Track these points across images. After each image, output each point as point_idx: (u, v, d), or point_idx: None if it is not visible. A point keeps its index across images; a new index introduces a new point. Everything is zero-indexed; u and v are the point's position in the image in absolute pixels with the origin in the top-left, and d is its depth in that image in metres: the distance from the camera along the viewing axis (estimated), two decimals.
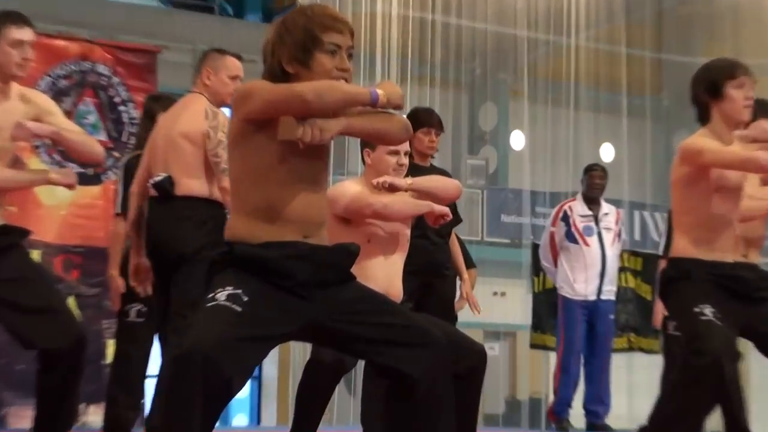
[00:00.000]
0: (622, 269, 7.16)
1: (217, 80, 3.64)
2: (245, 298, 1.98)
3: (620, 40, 9.77)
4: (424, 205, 3.24)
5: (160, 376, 3.28)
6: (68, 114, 4.86)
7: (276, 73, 2.10)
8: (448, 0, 9.22)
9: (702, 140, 3.16)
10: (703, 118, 3.22)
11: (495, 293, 9.30)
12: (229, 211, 2.48)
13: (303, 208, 2.11)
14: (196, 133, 3.48)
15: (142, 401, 4.35)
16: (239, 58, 3.81)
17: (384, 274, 3.20)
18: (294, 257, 2.06)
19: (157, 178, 3.48)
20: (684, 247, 3.31)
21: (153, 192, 3.52)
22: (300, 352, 6.69)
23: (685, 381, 3.20)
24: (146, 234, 3.59)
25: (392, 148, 3.11)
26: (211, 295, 1.99)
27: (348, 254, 2.20)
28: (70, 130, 3.29)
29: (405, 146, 3.16)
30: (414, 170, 3.56)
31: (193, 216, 3.47)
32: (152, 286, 3.63)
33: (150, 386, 3.99)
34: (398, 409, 2.16)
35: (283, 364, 8.68)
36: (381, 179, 3.12)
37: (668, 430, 3.26)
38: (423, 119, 4.34)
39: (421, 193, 3.28)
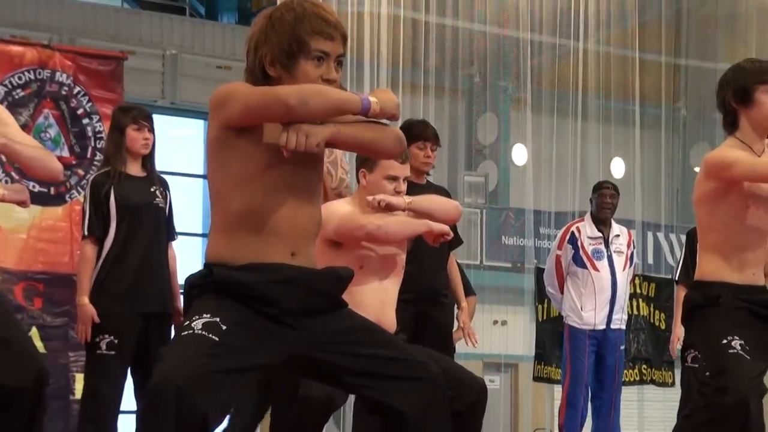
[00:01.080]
0: (633, 295, 7.14)
1: None
2: (223, 327, 1.93)
3: (633, 43, 9.56)
4: (421, 225, 3.16)
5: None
6: (25, 128, 4.85)
7: (257, 75, 2.02)
8: None
9: (731, 152, 3.03)
10: (731, 126, 3.14)
11: (495, 322, 9.27)
12: (209, 231, 2.25)
13: (291, 219, 2.02)
14: None
15: None
16: None
17: (377, 301, 3.14)
18: (279, 282, 2.00)
19: None
20: (712, 270, 3.21)
21: None
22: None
23: (708, 418, 3.15)
24: None
25: (391, 173, 3.12)
26: (187, 323, 1.95)
27: (339, 279, 2.14)
28: (24, 143, 3.07)
29: (405, 171, 3.17)
30: (409, 188, 3.41)
31: None
32: None
33: (123, 425, 4.26)
34: None
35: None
36: (378, 197, 3.04)
37: None
38: (417, 132, 4.28)
39: (418, 214, 3.19)
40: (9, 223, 5.75)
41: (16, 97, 5.87)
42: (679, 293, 4.56)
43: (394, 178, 3.11)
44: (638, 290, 7.54)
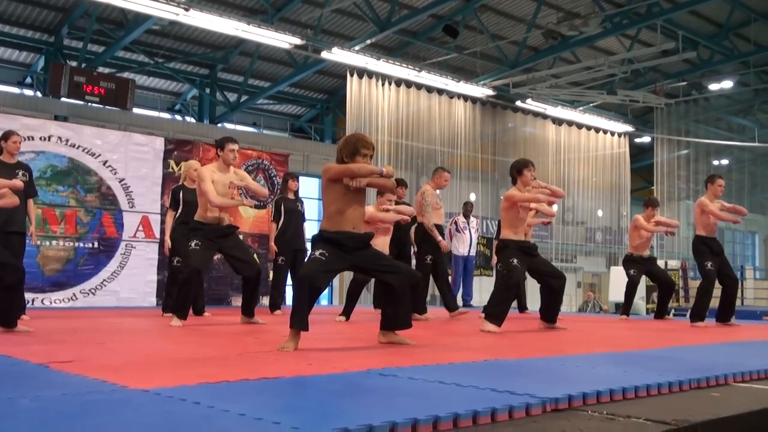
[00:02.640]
0: (479, 243, 14.57)
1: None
2: (326, 254, 4.54)
3: None
4: (397, 216, 7.66)
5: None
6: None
7: (340, 160, 4.76)
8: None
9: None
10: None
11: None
12: (322, 219, 4.84)
13: (352, 214, 4.69)
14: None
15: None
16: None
17: (381, 243, 7.20)
18: (348, 237, 4.64)
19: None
20: (506, 234, 6.65)
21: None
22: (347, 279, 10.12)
23: (502, 288, 6.47)
24: None
25: (389, 196, 7.53)
26: (312, 253, 4.62)
27: (368, 237, 4.85)
28: (254, 184, 7.20)
29: (395, 196, 7.92)
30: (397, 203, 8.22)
31: None
32: None
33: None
34: (387, 296, 4.84)
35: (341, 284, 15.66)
36: (384, 206, 7.55)
37: (495, 308, 6.31)
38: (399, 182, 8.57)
39: (398, 213, 7.72)
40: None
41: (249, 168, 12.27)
42: (496, 244, 7.59)
43: (389, 200, 7.57)
44: (480, 241, 15.10)
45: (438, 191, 8.40)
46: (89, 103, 15.90)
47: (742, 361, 3.96)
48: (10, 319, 5.50)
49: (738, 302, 10.82)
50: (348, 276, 8.34)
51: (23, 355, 3.83)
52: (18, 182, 5.90)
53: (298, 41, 14.67)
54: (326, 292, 17.97)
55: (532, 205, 7.15)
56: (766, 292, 21.53)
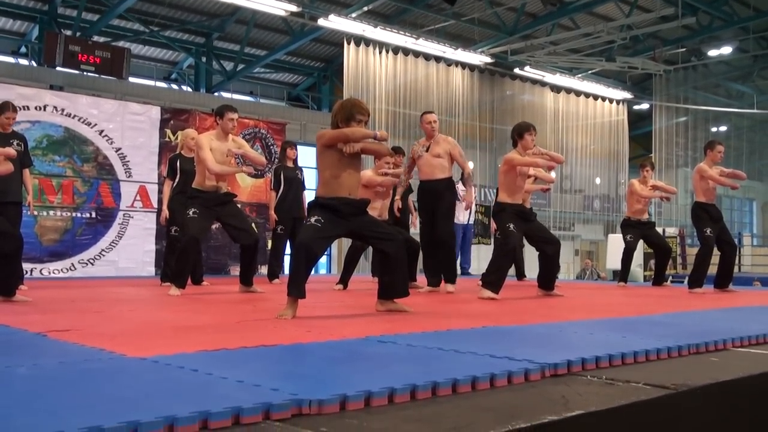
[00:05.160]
0: (477, 212, 14.93)
1: None
2: (322, 220, 4.50)
3: None
4: (393, 180, 7.53)
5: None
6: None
7: (335, 125, 4.69)
8: None
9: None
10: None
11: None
12: (317, 186, 4.75)
13: (348, 181, 4.62)
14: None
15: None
16: None
17: (380, 207, 7.44)
18: (343, 203, 4.58)
19: None
20: (503, 198, 6.61)
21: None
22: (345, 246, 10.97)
23: (500, 254, 6.48)
24: None
25: (386, 159, 7.27)
26: (308, 220, 4.59)
27: (365, 203, 4.81)
28: (252, 152, 7.21)
29: (392, 160, 7.66)
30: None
31: None
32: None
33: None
34: (383, 263, 4.80)
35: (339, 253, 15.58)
36: (382, 171, 7.43)
37: (492, 275, 6.30)
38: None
39: (393, 176, 7.57)
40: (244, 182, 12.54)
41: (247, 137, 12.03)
42: (494, 209, 6.92)
43: (387, 163, 7.45)
44: (478, 210, 15.09)
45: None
46: (85, 73, 15.78)
47: (740, 326, 3.96)
48: (9, 288, 5.48)
49: (735, 269, 10.86)
50: (346, 244, 8.30)
51: (21, 324, 3.83)
52: (11, 150, 5.85)
53: (294, 8, 14.55)
54: (324, 260, 18.04)
55: (531, 171, 7.04)
56: (764, 259, 21.55)
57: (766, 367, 2.82)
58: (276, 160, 11.20)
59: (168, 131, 11.71)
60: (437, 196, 7.08)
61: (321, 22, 15.42)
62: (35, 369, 2.47)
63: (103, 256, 11.03)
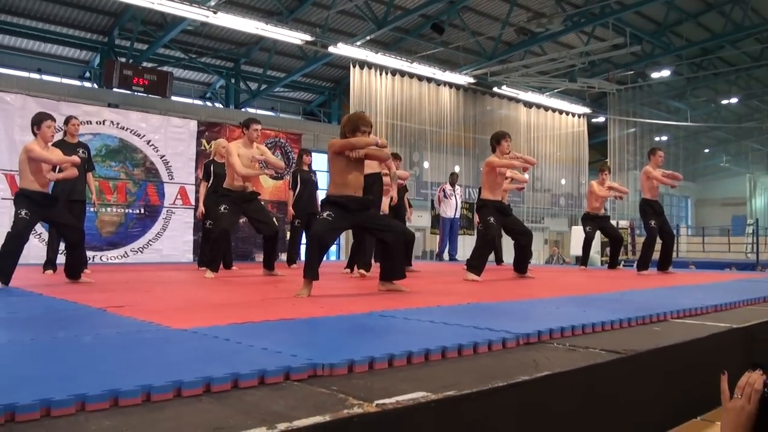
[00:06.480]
0: (462, 207, 13.91)
1: None
2: (333, 215, 4.48)
3: None
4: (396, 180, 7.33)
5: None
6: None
7: (343, 135, 4.65)
8: None
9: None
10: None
11: (419, 216, 17.54)
12: (328, 187, 4.72)
13: (354, 182, 4.61)
14: None
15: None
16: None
17: (382, 202, 7.10)
18: (350, 200, 4.57)
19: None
20: (485, 195, 6.58)
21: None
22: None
23: (482, 244, 6.44)
24: None
25: (388, 163, 6.56)
26: (320, 215, 4.57)
27: (370, 201, 4.85)
28: (273, 158, 6.93)
29: (392, 165, 6.88)
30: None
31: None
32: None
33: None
34: (384, 251, 4.77)
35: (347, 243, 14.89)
36: (385, 170, 6.90)
37: (475, 260, 6.32)
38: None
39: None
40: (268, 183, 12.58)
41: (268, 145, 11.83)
42: (477, 204, 6.98)
43: (389, 167, 6.73)
44: (463, 206, 14.73)
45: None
46: (136, 93, 15.72)
47: (677, 301, 3.97)
48: (75, 272, 5.54)
49: (674, 254, 10.86)
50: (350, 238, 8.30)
51: (85, 301, 3.84)
52: (76, 158, 5.85)
53: (308, 38, 14.49)
54: (334, 248, 17.94)
55: (508, 173, 7.04)
56: (697, 246, 21.65)
57: (698, 335, 2.83)
58: (293, 164, 11.12)
59: (203, 141, 11.69)
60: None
61: (331, 49, 15.36)
62: (97, 338, 2.48)
63: (150, 245, 11.03)
